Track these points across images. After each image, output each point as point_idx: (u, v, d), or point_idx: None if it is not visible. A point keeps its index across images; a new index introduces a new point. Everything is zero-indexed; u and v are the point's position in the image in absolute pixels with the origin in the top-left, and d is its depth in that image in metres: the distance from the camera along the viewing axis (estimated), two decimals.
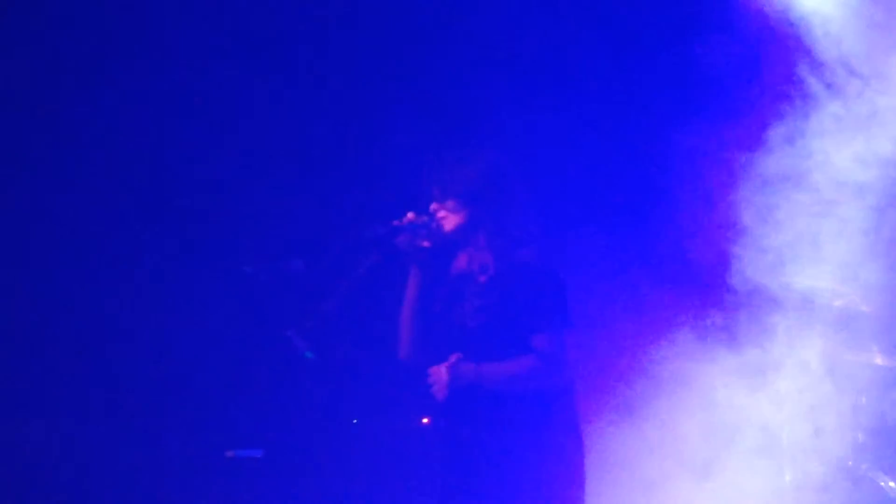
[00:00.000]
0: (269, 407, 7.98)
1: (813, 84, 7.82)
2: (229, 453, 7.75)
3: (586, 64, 8.14)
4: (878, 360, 7.85)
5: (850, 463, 7.78)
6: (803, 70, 7.81)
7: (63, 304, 7.86)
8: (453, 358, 5.99)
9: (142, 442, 7.84)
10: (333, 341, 6.33)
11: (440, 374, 6.00)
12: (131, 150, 7.98)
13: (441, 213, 6.08)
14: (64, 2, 7.83)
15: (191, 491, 7.79)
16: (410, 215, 6.11)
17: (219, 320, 7.97)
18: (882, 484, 7.60)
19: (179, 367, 7.92)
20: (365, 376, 8.03)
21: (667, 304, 8.23)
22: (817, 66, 7.82)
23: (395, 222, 6.11)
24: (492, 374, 5.96)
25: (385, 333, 6.51)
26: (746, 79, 7.93)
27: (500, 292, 6.02)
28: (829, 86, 7.82)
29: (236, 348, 7.98)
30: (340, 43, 8.16)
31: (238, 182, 8.06)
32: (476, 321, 6.03)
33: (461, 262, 6.16)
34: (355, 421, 8.01)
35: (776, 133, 7.91)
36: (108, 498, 7.79)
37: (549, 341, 5.94)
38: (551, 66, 8.16)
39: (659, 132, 8.07)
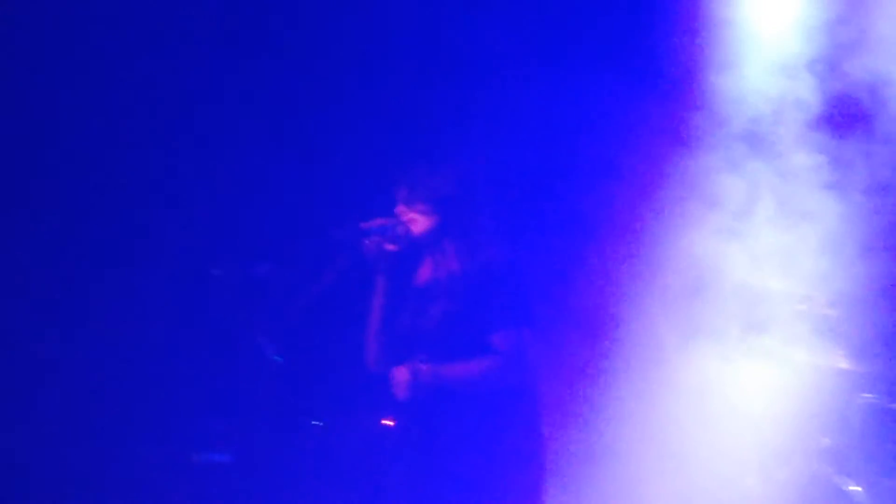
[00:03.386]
0: (236, 409, 7.96)
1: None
2: (197, 458, 7.73)
3: (554, 72, 8.16)
4: (843, 363, 7.88)
5: (815, 467, 7.81)
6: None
7: (30, 306, 7.84)
8: (416, 359, 6.01)
9: (109, 446, 7.81)
10: (301, 344, 6.33)
11: (402, 374, 6.02)
12: (98, 153, 7.95)
13: (408, 217, 6.10)
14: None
15: (158, 496, 7.77)
16: (378, 219, 6.13)
17: (186, 323, 7.95)
18: (846, 488, 7.63)
19: (146, 370, 7.90)
20: (330, 378, 8.03)
21: (635, 303, 8.25)
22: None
23: (363, 225, 6.12)
24: (452, 375, 5.98)
25: (351, 336, 6.51)
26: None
27: (464, 294, 6.03)
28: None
29: (203, 351, 7.96)
30: (308, 47, 8.16)
31: (206, 185, 8.04)
32: (440, 323, 6.05)
33: (427, 265, 6.18)
34: (319, 423, 8.00)
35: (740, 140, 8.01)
36: (73, 499, 7.76)
37: (509, 341, 5.96)
38: (520, 71, 8.17)
39: (629, 137, 8.11)
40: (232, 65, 8.04)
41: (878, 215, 7.92)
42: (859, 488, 7.63)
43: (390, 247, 6.13)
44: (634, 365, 8.20)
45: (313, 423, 7.89)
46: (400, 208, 6.13)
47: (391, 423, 6.38)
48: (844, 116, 7.91)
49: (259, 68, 8.09)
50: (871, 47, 7.86)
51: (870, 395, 7.81)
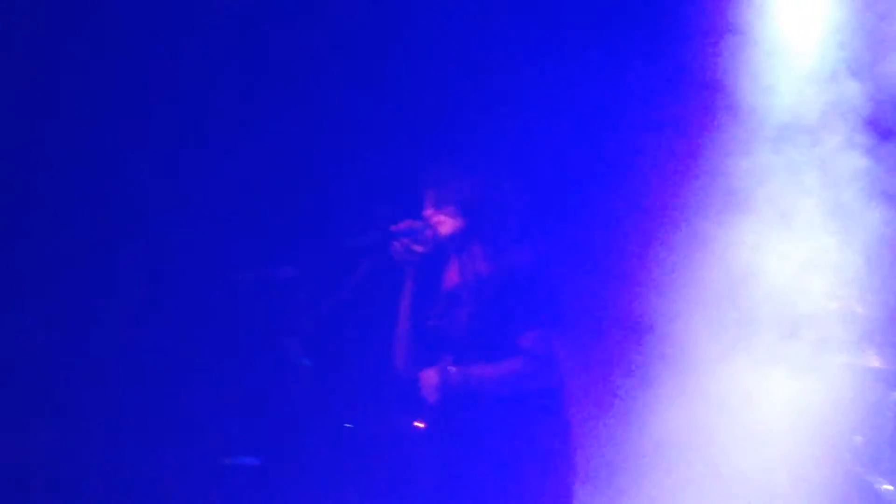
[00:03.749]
0: (265, 414, 7.96)
1: None
2: (225, 461, 7.74)
3: (584, 73, 8.15)
4: (875, 362, 7.85)
5: (847, 466, 7.78)
6: None
7: (53, 311, 7.84)
8: (444, 361, 6.01)
9: (136, 450, 7.82)
10: (329, 347, 6.32)
11: (431, 377, 6.02)
12: (120, 154, 7.96)
13: (436, 220, 6.10)
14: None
15: (186, 500, 7.78)
16: (406, 222, 6.12)
17: (212, 328, 7.95)
18: (878, 487, 7.60)
19: (173, 375, 7.91)
20: (360, 381, 8.02)
21: (665, 307, 8.23)
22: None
23: (391, 228, 6.12)
24: (481, 376, 5.97)
25: (380, 339, 6.51)
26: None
27: (492, 296, 6.02)
28: None
29: (230, 355, 7.97)
30: (334, 47, 8.16)
31: (231, 188, 8.04)
32: (468, 325, 6.04)
33: (455, 268, 6.17)
34: (349, 426, 8.00)
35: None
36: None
37: (537, 342, 5.96)
38: (551, 75, 8.16)
39: (661, 140, 8.09)
40: (262, 65, 8.05)
41: None
42: (891, 487, 7.60)
43: (418, 249, 6.12)
44: (665, 368, 8.17)
45: (346, 425, 7.89)
46: (427, 211, 6.12)
47: (421, 426, 6.38)
48: (887, 120, 7.89)
49: (285, 73, 8.09)
50: None
51: None
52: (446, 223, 6.11)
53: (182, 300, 7.94)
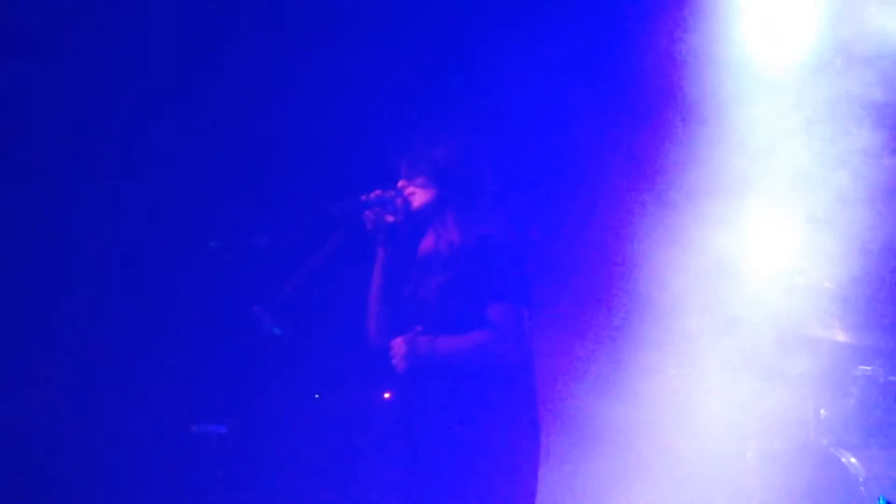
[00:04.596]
0: (234, 382, 7.97)
1: None
2: (194, 428, 7.74)
3: (558, 49, 8.17)
4: (841, 336, 7.90)
5: (812, 439, 7.83)
6: None
7: (31, 278, 7.83)
8: (414, 331, 6.02)
9: (108, 418, 7.82)
10: (300, 316, 6.33)
11: (400, 346, 6.03)
12: (97, 126, 7.94)
13: (409, 190, 6.11)
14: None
15: (158, 466, 7.78)
16: (377, 191, 6.13)
17: (184, 295, 7.95)
18: (843, 460, 7.65)
19: (144, 342, 7.90)
20: (329, 351, 8.03)
21: (631, 282, 8.27)
22: None
23: (363, 197, 6.12)
24: (448, 347, 5.98)
25: (350, 308, 6.52)
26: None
27: (462, 267, 6.03)
28: None
29: (202, 323, 7.96)
30: (310, 19, 8.14)
31: (205, 157, 8.03)
32: (438, 295, 6.05)
33: (428, 239, 6.18)
34: (317, 396, 8.02)
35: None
36: (71, 469, 7.77)
37: (505, 315, 5.96)
38: (523, 52, 8.17)
39: (633, 117, 8.14)
40: (238, 42, 8.04)
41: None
42: (856, 460, 7.64)
43: (389, 218, 6.13)
44: (633, 344, 8.22)
45: (315, 396, 7.90)
46: (401, 181, 6.13)
47: (387, 396, 6.39)
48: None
49: (263, 45, 8.08)
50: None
51: (868, 368, 7.83)
52: (419, 193, 6.12)
53: (154, 268, 7.94)
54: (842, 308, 7.96)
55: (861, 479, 7.54)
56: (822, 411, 7.86)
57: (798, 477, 7.77)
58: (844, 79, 8.00)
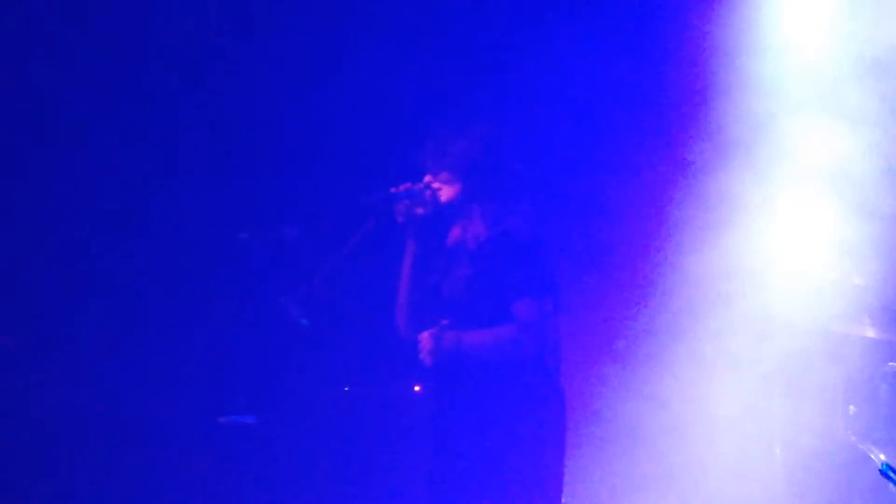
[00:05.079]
0: (263, 373, 7.98)
1: None
2: (221, 419, 7.76)
3: (589, 42, 8.15)
4: (871, 332, 7.87)
5: (842, 435, 7.80)
6: None
7: (60, 267, 7.85)
8: (441, 325, 6.01)
9: (134, 410, 7.83)
10: (328, 308, 6.34)
11: (427, 340, 6.03)
12: (123, 113, 7.96)
13: (436, 184, 6.10)
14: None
15: (185, 458, 7.79)
16: (407, 183, 6.13)
17: (214, 286, 7.97)
18: (872, 456, 7.62)
19: (174, 333, 7.92)
20: (357, 343, 8.04)
21: (658, 278, 8.25)
22: None
23: (392, 190, 6.12)
24: (475, 341, 5.98)
25: (379, 300, 6.52)
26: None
27: (489, 261, 6.03)
28: None
29: (231, 314, 7.98)
30: (336, 13, 8.15)
31: (235, 148, 8.05)
32: (466, 289, 6.05)
33: (455, 232, 6.17)
34: (346, 388, 8.02)
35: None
36: (96, 461, 7.79)
37: (531, 310, 5.96)
38: (549, 43, 8.16)
39: (654, 116, 8.12)
40: (264, 33, 8.05)
41: None
42: (884, 456, 7.62)
43: (418, 210, 6.13)
44: (658, 342, 8.19)
45: (344, 389, 7.90)
46: (429, 173, 6.13)
47: (418, 389, 6.39)
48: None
49: (289, 36, 8.08)
50: None
51: None
52: (447, 186, 6.11)
53: (185, 259, 7.96)
54: (872, 304, 7.92)
55: None
56: (851, 407, 7.84)
57: (827, 473, 7.75)
58: (888, 74, 7.96)
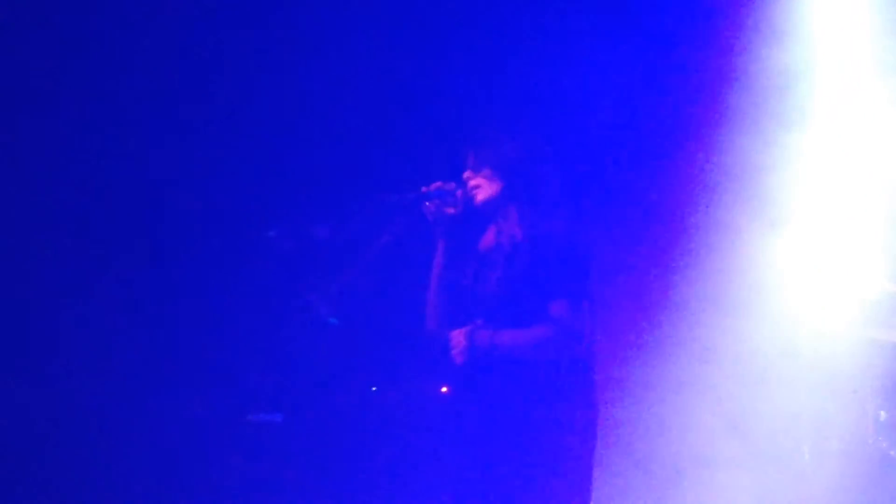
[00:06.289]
0: (291, 372, 7.99)
1: None
2: (249, 417, 7.77)
3: (626, 48, 8.15)
4: None
5: (871, 441, 7.78)
6: None
7: (85, 261, 7.87)
8: (474, 324, 6.00)
9: (162, 406, 7.85)
10: (357, 307, 6.33)
11: (459, 339, 6.02)
12: (156, 110, 7.98)
13: (474, 182, 6.09)
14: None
15: (214, 455, 7.81)
16: (438, 183, 6.12)
17: (243, 284, 7.98)
18: None
19: (203, 331, 7.93)
20: (386, 343, 8.04)
21: (695, 282, 8.23)
22: None
23: (423, 189, 6.12)
24: (509, 341, 5.97)
25: (409, 300, 6.51)
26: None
27: (524, 262, 6.02)
28: None
29: (260, 312, 7.99)
30: (383, 9, 8.16)
31: (265, 146, 8.06)
32: (499, 289, 6.04)
33: (490, 232, 6.17)
34: (374, 388, 8.03)
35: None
36: (123, 457, 7.81)
37: (567, 311, 5.94)
38: (593, 45, 8.15)
39: (692, 112, 8.11)
40: (303, 28, 8.06)
41: None
42: None
43: (449, 210, 6.12)
44: (692, 343, 8.18)
45: (371, 389, 7.91)
46: (467, 172, 6.12)
47: (444, 390, 6.38)
48: None
49: (325, 31, 8.09)
50: None
51: None
52: (484, 185, 6.10)
53: (214, 257, 7.97)
54: None
55: None
56: (881, 413, 7.82)
57: (856, 480, 7.72)
58: None
